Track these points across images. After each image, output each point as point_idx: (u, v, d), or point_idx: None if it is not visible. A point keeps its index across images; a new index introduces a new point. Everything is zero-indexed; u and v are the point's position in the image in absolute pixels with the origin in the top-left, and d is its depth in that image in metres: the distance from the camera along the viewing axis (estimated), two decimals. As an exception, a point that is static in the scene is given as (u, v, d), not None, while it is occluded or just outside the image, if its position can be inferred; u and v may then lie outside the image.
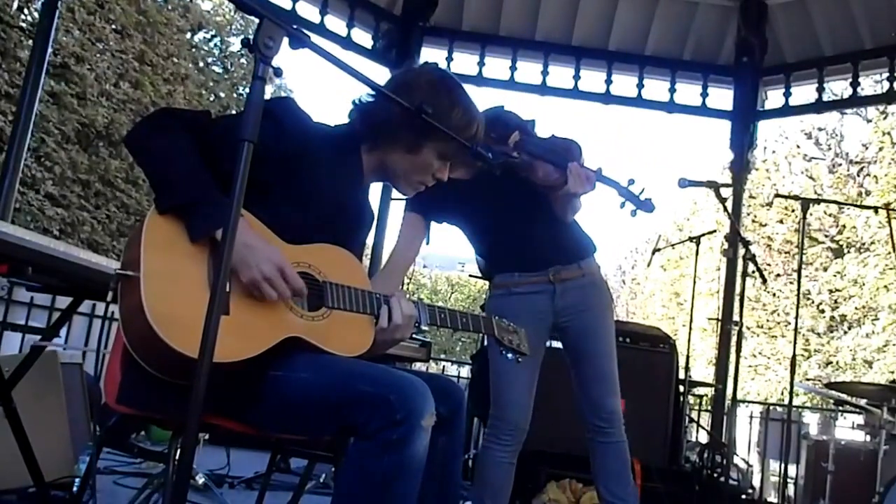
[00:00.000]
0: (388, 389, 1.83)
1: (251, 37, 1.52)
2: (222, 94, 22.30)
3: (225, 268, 1.50)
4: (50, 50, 5.35)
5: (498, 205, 3.09)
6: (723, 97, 7.23)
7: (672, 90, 7.20)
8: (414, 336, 4.70)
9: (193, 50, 21.75)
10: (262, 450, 3.48)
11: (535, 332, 3.06)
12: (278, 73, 1.57)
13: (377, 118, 2.19)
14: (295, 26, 1.59)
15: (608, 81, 7.15)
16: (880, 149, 20.37)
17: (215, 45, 23.19)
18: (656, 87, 7.25)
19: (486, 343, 3.11)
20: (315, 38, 5.44)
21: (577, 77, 7.16)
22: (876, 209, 10.23)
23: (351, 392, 1.86)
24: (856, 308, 19.83)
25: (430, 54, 7.19)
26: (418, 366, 5.93)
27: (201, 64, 22.16)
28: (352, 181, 2.23)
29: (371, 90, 2.06)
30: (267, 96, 1.59)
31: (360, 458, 1.82)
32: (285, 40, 1.56)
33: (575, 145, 3.03)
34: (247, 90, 1.46)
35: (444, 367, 10.97)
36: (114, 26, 17.83)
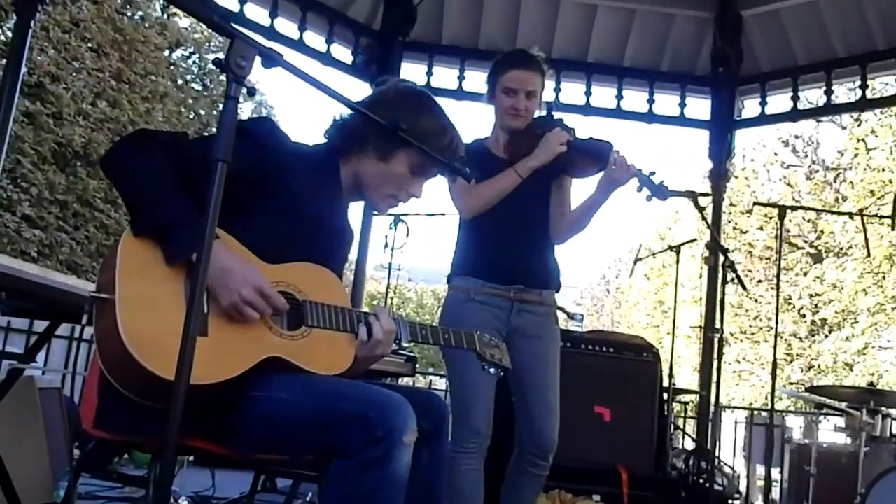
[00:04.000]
0: (367, 407, 1.83)
1: (223, 57, 1.51)
2: (202, 112, 22.25)
3: (200, 289, 1.49)
4: (24, 69, 5.30)
5: (509, 204, 3.10)
6: (700, 107, 7.28)
7: (650, 101, 7.23)
8: (399, 351, 4.70)
9: (172, 67, 21.70)
10: (248, 470, 3.46)
11: None
12: (252, 92, 1.57)
13: (351, 132, 2.20)
14: (268, 45, 1.59)
15: (587, 93, 7.18)
16: (855, 155, 20.58)
17: (194, 62, 23.16)
18: (635, 98, 7.28)
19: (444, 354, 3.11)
20: (294, 55, 5.44)
21: (557, 89, 7.18)
22: (851, 215, 10.33)
23: (331, 411, 1.85)
24: (835, 312, 19.99)
25: (411, 69, 7.20)
26: (405, 380, 5.93)
27: (180, 81, 22.12)
28: (331, 200, 2.23)
29: (347, 107, 2.05)
30: (247, 114, 1.58)
31: (342, 476, 1.81)
32: (258, 60, 1.56)
33: (609, 143, 3.06)
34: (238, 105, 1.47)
35: (431, 380, 10.93)
36: (90, 45, 17.76)
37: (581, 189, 3.26)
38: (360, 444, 1.80)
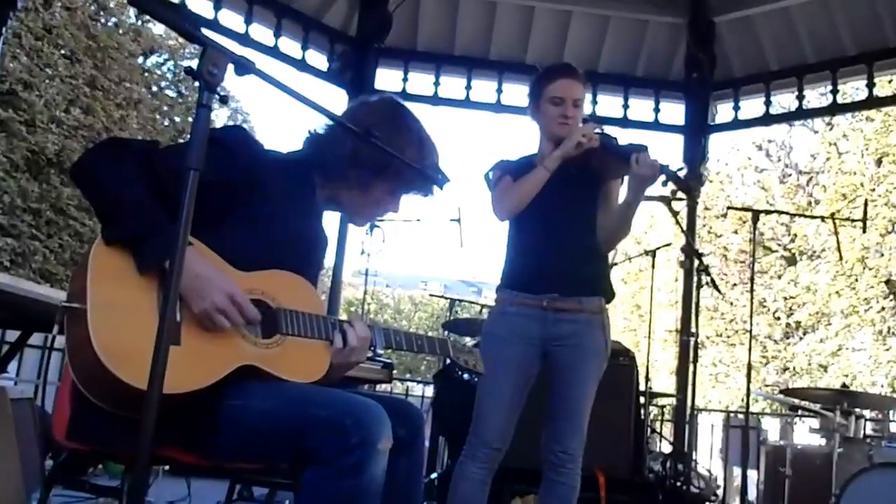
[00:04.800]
0: (342, 414, 1.82)
1: (195, 64, 1.51)
2: (177, 119, 22.11)
3: (173, 297, 1.48)
4: (-3, 77, 5.26)
5: (545, 214, 3.10)
6: (675, 112, 7.33)
7: (625, 106, 7.28)
8: (375, 358, 4.69)
9: (146, 74, 21.54)
10: (223, 479, 3.44)
11: (522, 354, 3.08)
12: (224, 100, 1.57)
13: (329, 154, 2.19)
14: (240, 53, 1.59)
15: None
16: (827, 159, 20.80)
17: (168, 68, 23.01)
18: (610, 104, 7.33)
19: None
20: (269, 61, 5.39)
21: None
22: (823, 218, 10.44)
23: (305, 418, 1.85)
24: (809, 314, 20.18)
25: (386, 75, 7.21)
26: (382, 387, 5.92)
27: (154, 88, 21.96)
28: (305, 208, 2.22)
29: (321, 115, 2.05)
30: (222, 121, 1.58)
31: (317, 484, 1.81)
32: (231, 67, 1.56)
33: (642, 144, 3.06)
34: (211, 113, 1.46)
35: (408, 387, 10.93)
36: (63, 51, 17.60)
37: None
38: (335, 452, 1.80)
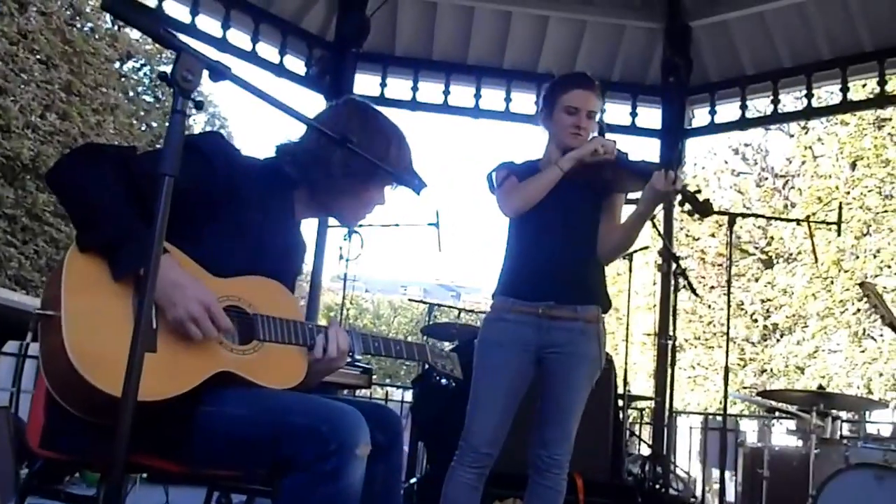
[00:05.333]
0: (320, 420, 1.82)
1: (169, 70, 1.51)
2: (154, 124, 21.99)
3: (148, 304, 1.48)
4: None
5: (546, 221, 3.09)
6: (651, 116, 7.37)
7: (602, 110, 7.27)
8: (355, 363, 4.68)
9: (123, 79, 21.40)
10: (201, 486, 3.41)
11: (517, 361, 3.08)
12: (199, 105, 1.56)
13: (316, 169, 2.17)
14: (216, 59, 1.59)
15: (539, 103, 7.21)
16: (803, 162, 20.99)
17: (145, 74, 22.88)
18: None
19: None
20: (247, 67, 5.38)
21: (508, 100, 7.23)
22: (798, 221, 10.52)
23: (283, 424, 1.84)
24: (786, 317, 20.33)
25: (364, 80, 7.20)
26: (361, 392, 5.90)
27: (131, 93, 21.84)
28: (282, 214, 2.22)
29: (299, 121, 2.05)
30: (199, 127, 1.58)
31: (295, 491, 1.81)
32: (206, 73, 1.55)
33: (659, 165, 3.07)
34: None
35: (388, 391, 10.89)
36: (38, 56, 17.46)
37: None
38: (313, 458, 1.80)
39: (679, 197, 3.01)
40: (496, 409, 3.05)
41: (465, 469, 3.04)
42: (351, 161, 2.09)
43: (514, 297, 3.13)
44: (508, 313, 3.12)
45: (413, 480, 5.19)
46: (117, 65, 20.90)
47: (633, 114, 7.32)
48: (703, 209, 3.01)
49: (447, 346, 6.13)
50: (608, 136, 3.20)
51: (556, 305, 3.09)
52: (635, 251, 6.27)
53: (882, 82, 6.56)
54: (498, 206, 3.19)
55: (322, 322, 2.17)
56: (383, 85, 7.19)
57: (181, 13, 6.16)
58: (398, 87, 7.24)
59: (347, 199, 2.26)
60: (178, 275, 1.85)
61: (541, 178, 3.08)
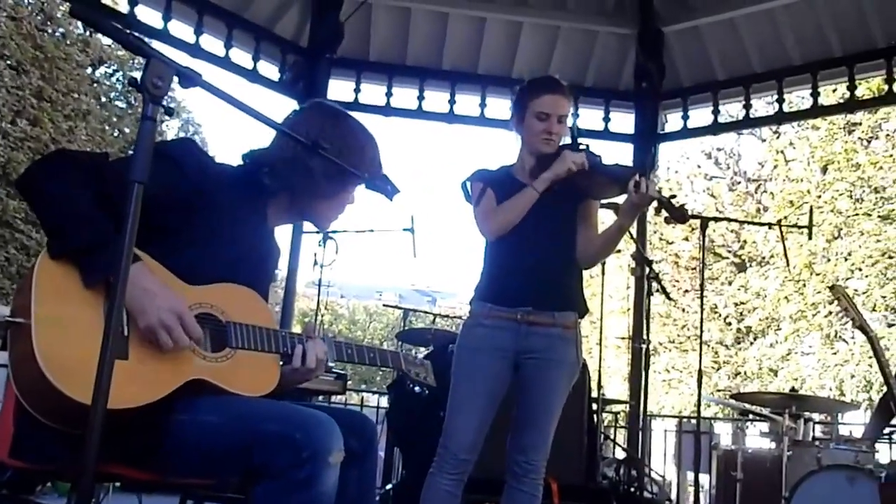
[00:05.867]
0: (293, 427, 1.82)
1: (138, 76, 1.50)
2: (127, 130, 21.79)
3: (118, 311, 1.47)
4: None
5: (524, 228, 3.09)
6: (624, 121, 7.42)
7: (575, 115, 7.32)
8: (330, 369, 4.67)
9: (95, 85, 21.21)
10: (174, 495, 3.38)
11: (495, 366, 3.08)
12: (170, 112, 1.56)
13: (289, 176, 2.17)
14: (186, 65, 1.58)
15: (510, 108, 7.22)
16: (775, 167, 21.17)
17: (118, 79, 22.69)
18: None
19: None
20: (220, 72, 5.35)
21: (483, 105, 7.25)
22: (770, 225, 10.60)
23: (255, 432, 1.84)
24: (759, 319, 20.48)
25: (338, 86, 7.20)
26: (336, 398, 5.88)
27: (103, 99, 21.64)
28: (255, 221, 2.22)
29: (270, 128, 2.04)
30: (173, 133, 1.57)
31: (268, 498, 1.80)
32: (176, 79, 1.54)
33: (633, 168, 3.10)
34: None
35: (363, 397, 10.89)
36: (9, 62, 17.28)
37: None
38: (286, 466, 1.79)
39: (656, 203, 3.02)
40: (475, 415, 3.06)
41: (444, 476, 3.03)
42: (329, 165, 2.09)
43: (492, 302, 3.14)
44: (486, 319, 3.13)
45: (389, 486, 5.18)
46: (89, 70, 20.72)
47: (607, 119, 7.37)
48: (679, 215, 3.04)
49: (423, 351, 6.13)
50: (581, 140, 3.21)
51: (533, 311, 3.10)
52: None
53: (852, 87, 6.64)
54: (476, 225, 3.20)
55: (296, 328, 2.17)
56: (357, 90, 7.19)
57: (153, 19, 6.14)
58: (372, 92, 7.25)
59: (324, 203, 2.26)
60: (149, 282, 1.84)
61: (517, 201, 3.08)
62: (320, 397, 5.05)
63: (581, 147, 3.16)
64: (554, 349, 3.11)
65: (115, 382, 1.47)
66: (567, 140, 3.22)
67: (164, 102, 1.52)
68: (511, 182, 3.19)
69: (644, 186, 2.95)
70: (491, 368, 3.08)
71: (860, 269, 17.43)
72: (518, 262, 3.12)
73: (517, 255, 3.12)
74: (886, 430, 5.21)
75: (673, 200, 3.04)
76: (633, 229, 5.43)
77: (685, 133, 7.49)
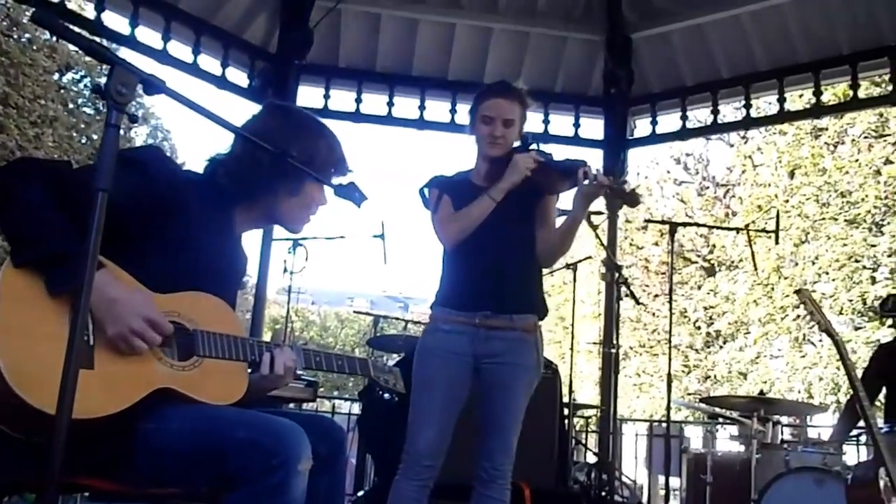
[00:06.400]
0: (261, 435, 1.81)
1: (102, 83, 1.48)
2: (95, 136, 21.53)
3: (81, 321, 1.45)
4: None
5: (481, 232, 3.10)
6: (594, 127, 7.44)
7: (545, 121, 7.36)
8: (300, 377, 4.65)
9: (62, 91, 20.96)
10: (143, 504, 3.36)
11: (454, 371, 3.09)
12: (134, 119, 1.55)
13: (251, 176, 2.16)
14: (150, 72, 1.57)
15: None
16: (743, 171, 21.37)
17: (86, 85, 22.45)
18: (530, 119, 7.34)
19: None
20: (188, 79, 5.32)
21: (453, 111, 7.25)
22: (738, 230, 10.71)
23: (224, 440, 1.83)
24: (729, 323, 20.65)
25: (307, 92, 7.17)
26: (307, 405, 5.84)
27: (71, 105, 21.38)
28: (222, 228, 2.20)
29: (233, 133, 2.03)
30: (142, 139, 1.56)
31: (238, 507, 1.79)
32: (140, 86, 1.53)
33: (582, 160, 3.10)
34: (120, 133, 1.42)
35: (335, 404, 10.83)
36: (-26, 68, 17.08)
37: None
38: (255, 473, 1.79)
39: (607, 191, 3.06)
40: (436, 420, 3.06)
41: (409, 482, 3.04)
42: (285, 167, 2.09)
43: (451, 307, 3.16)
44: (445, 324, 3.14)
45: (361, 493, 5.17)
46: (56, 76, 20.48)
47: (577, 125, 7.40)
48: (630, 199, 3.07)
49: (395, 357, 6.12)
50: (532, 146, 3.23)
51: (492, 315, 3.11)
52: (579, 261, 6.34)
53: (818, 93, 6.72)
54: (435, 233, 3.22)
55: (266, 335, 2.16)
56: (327, 97, 7.17)
57: (120, 25, 6.07)
58: (342, 98, 7.24)
59: (289, 202, 2.25)
60: (115, 290, 1.83)
61: (474, 210, 3.10)
62: (291, 405, 5.02)
63: (531, 148, 3.19)
64: (514, 353, 3.13)
65: (81, 392, 1.46)
66: (518, 144, 3.24)
67: (132, 109, 1.51)
68: (468, 187, 3.21)
69: (593, 175, 2.99)
70: (451, 373, 3.09)
71: (827, 273, 17.63)
72: (476, 266, 3.14)
73: (475, 259, 3.14)
74: (853, 432, 5.27)
75: (625, 186, 3.08)
76: (604, 235, 5.47)
77: (654, 138, 7.54)
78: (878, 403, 5.37)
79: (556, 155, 3.18)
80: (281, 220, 2.32)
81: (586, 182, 3.00)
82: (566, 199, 3.21)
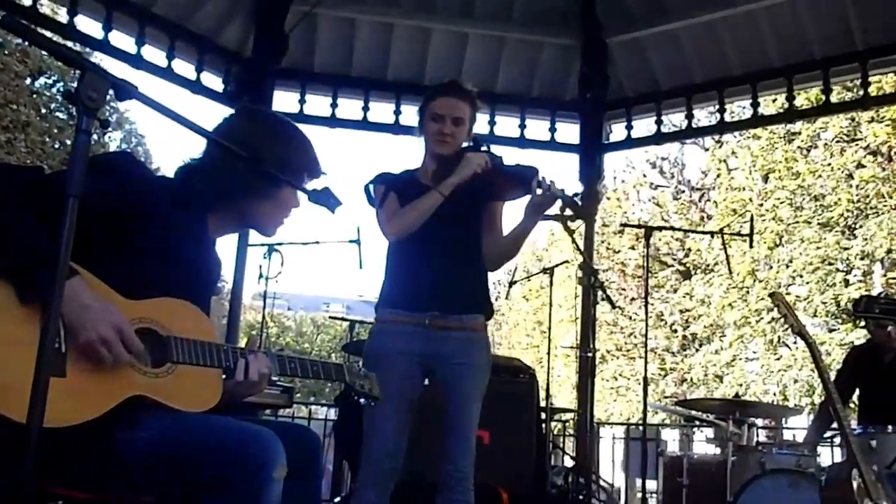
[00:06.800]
0: (236, 443, 1.80)
1: (73, 88, 1.47)
2: (68, 142, 21.33)
3: (52, 326, 1.43)
4: None
5: (429, 232, 3.09)
6: (570, 131, 7.46)
7: (522, 126, 7.37)
8: (275, 383, 4.62)
9: (35, 96, 20.77)
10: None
11: (404, 372, 3.08)
12: (105, 125, 1.53)
13: (222, 182, 2.15)
14: (122, 77, 1.55)
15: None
16: (717, 176, 21.55)
17: (58, 90, 22.25)
18: (507, 124, 7.39)
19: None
20: (163, 84, 5.29)
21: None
22: (712, 234, 10.79)
23: (198, 448, 1.81)
24: (705, 326, 20.81)
25: (283, 97, 7.15)
26: (283, 411, 5.82)
27: (43, 110, 21.18)
28: (195, 233, 2.19)
29: (205, 139, 2.02)
30: (115, 144, 1.54)
31: (212, 515, 1.77)
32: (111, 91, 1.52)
33: (534, 167, 3.10)
34: (94, 137, 1.40)
35: (311, 410, 10.79)
36: (-56, 73, 16.89)
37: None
38: (230, 481, 1.78)
39: (559, 202, 3.07)
40: (390, 423, 3.05)
41: (369, 488, 3.03)
42: (260, 168, 2.08)
43: (399, 308, 3.15)
44: (395, 325, 3.14)
45: (338, 499, 5.15)
46: (28, 81, 20.29)
47: (553, 129, 7.41)
48: (583, 213, 3.07)
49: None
50: (484, 146, 3.24)
51: (441, 316, 3.12)
52: (556, 265, 6.36)
53: (790, 97, 6.79)
54: (379, 226, 3.20)
55: (242, 341, 2.15)
56: (302, 101, 7.14)
57: (94, 29, 6.03)
58: (317, 103, 7.21)
59: (263, 205, 2.23)
60: (87, 297, 1.81)
61: (422, 204, 3.09)
62: (267, 411, 5.00)
63: (483, 149, 3.19)
64: (465, 353, 3.13)
65: (53, 400, 1.43)
66: (469, 144, 3.25)
67: (105, 114, 1.49)
68: (415, 185, 3.21)
69: (546, 185, 3.00)
70: (402, 375, 3.07)
71: (801, 276, 17.80)
72: (423, 266, 3.14)
73: (422, 259, 3.14)
74: (827, 434, 5.31)
75: (577, 198, 3.08)
76: (580, 240, 5.48)
77: (629, 143, 7.58)
78: (851, 405, 5.43)
79: (506, 159, 3.18)
80: (254, 224, 2.31)
81: (539, 192, 3.01)
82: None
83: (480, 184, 3.12)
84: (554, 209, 3.15)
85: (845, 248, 17.14)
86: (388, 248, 3.27)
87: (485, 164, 3.08)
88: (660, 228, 7.53)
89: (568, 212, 3.08)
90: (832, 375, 4.36)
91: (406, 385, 3.08)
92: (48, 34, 6.00)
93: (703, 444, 7.35)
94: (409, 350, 3.09)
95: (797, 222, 18.10)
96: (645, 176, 24.29)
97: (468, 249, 3.22)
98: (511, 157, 3.18)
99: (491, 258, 3.26)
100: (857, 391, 4.98)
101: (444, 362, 3.11)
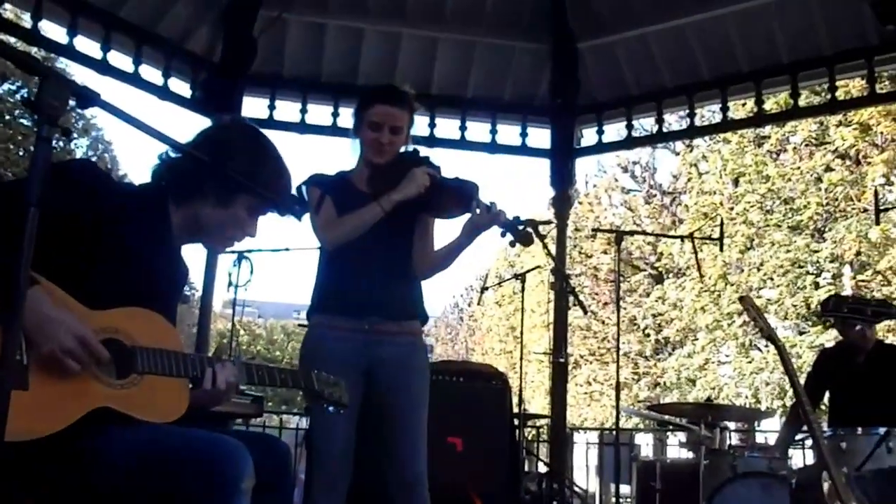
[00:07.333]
0: (203, 454, 1.78)
1: (33, 95, 1.44)
2: (32, 148, 21.02)
3: (14, 340, 1.40)
4: None
5: (366, 238, 3.06)
6: (541, 136, 7.46)
7: (493, 131, 7.36)
8: (244, 392, 4.58)
9: (-2, 102, 20.57)
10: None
11: (346, 375, 3.05)
12: (67, 132, 1.50)
13: (188, 174, 2.13)
14: (83, 84, 1.52)
15: (431, 125, 7.23)
16: (689, 179, 21.73)
17: (21, 96, 21.98)
18: (478, 129, 7.38)
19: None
20: (130, 89, 5.20)
21: (410, 123, 7.19)
22: (683, 238, 10.86)
23: (166, 460, 1.79)
24: (677, 330, 20.95)
25: (252, 103, 7.08)
26: (254, 420, 5.76)
27: (7, 117, 20.95)
28: (160, 242, 2.15)
29: (171, 147, 1.99)
30: (82, 150, 1.51)
31: (180, 528, 1.75)
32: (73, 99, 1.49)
33: (475, 184, 3.08)
34: (60, 144, 1.37)
35: (283, 419, 10.70)
36: None
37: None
38: (198, 493, 1.75)
39: (499, 227, 3.03)
40: (336, 430, 3.02)
41: (322, 496, 3.01)
42: (226, 178, 2.05)
43: (337, 313, 3.12)
44: (334, 331, 3.11)
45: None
46: (-8, 87, 20.06)
47: (524, 134, 7.40)
48: (523, 238, 3.03)
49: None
50: (423, 151, 3.25)
51: (381, 321, 3.11)
52: (528, 270, 6.36)
53: (759, 102, 6.84)
54: (314, 231, 3.16)
55: (212, 350, 2.12)
56: (272, 107, 7.07)
57: (58, 34, 5.93)
58: (287, 109, 7.15)
59: (215, 213, 2.18)
60: (49, 308, 1.77)
61: (362, 215, 3.07)
62: (238, 421, 4.95)
63: (422, 156, 3.19)
64: (405, 357, 3.13)
65: (16, 413, 1.40)
66: (407, 149, 3.24)
67: (71, 121, 1.46)
68: (350, 190, 3.18)
69: (485, 206, 2.99)
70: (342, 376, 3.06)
71: (772, 279, 17.98)
72: (361, 272, 3.11)
73: (359, 265, 3.11)
74: (798, 437, 5.34)
75: (517, 224, 3.03)
76: (552, 245, 5.49)
77: (601, 147, 7.61)
78: (822, 408, 5.46)
79: (445, 172, 3.16)
80: (204, 230, 2.23)
81: (478, 211, 2.99)
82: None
83: (421, 198, 3.09)
84: (495, 232, 3.10)
85: (815, 251, 17.34)
86: (320, 253, 3.25)
87: (426, 181, 3.05)
88: (631, 233, 7.57)
89: (509, 237, 3.03)
90: (802, 379, 4.38)
91: (350, 393, 3.05)
92: (11, 40, 5.92)
93: (677, 449, 7.38)
94: (350, 355, 3.05)
95: (767, 226, 18.29)
96: (616, 180, 24.45)
97: (402, 257, 3.20)
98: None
99: (421, 269, 3.24)
100: (828, 394, 5.01)
101: (385, 368, 3.09)
